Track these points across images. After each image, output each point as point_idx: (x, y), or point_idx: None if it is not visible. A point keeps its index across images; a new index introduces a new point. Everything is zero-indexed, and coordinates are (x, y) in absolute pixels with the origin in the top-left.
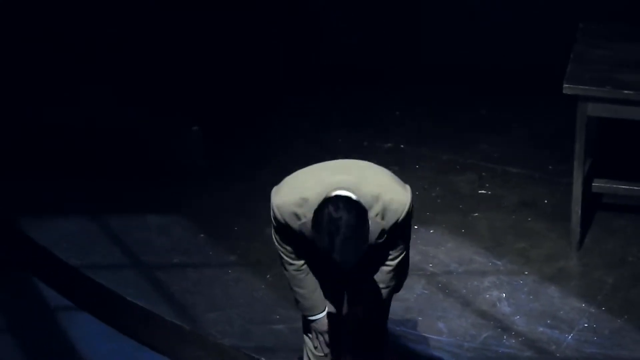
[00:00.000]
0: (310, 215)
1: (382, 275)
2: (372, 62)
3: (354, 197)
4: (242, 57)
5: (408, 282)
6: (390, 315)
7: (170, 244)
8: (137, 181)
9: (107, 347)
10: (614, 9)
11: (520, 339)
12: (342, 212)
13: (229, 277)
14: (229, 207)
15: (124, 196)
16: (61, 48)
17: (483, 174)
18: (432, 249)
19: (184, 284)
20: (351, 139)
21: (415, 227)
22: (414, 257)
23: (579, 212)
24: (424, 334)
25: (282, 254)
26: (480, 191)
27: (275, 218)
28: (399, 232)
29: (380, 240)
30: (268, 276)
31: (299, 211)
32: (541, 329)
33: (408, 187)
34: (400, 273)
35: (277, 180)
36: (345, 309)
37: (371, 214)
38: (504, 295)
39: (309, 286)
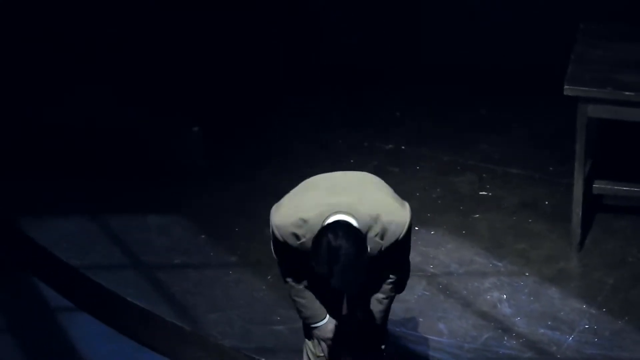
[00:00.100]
0: (309, 235)
1: (383, 288)
2: (372, 62)
3: (353, 222)
4: (242, 57)
5: (408, 283)
6: (390, 316)
7: (170, 244)
8: (137, 181)
9: (107, 347)
10: (614, 9)
11: (520, 340)
12: (341, 241)
13: (229, 278)
14: (229, 207)
15: (124, 196)
16: (61, 48)
17: (483, 175)
18: (432, 250)
19: (184, 284)
20: (351, 139)
21: (416, 228)
22: (415, 258)
23: (580, 213)
24: (424, 335)
25: (281, 267)
26: (480, 192)
27: (274, 236)
28: (399, 249)
29: (380, 257)
30: (268, 277)
31: (299, 232)
32: (542, 330)
33: (407, 205)
34: (401, 281)
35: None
36: (345, 312)
37: (370, 234)
38: (505, 296)
39: (309, 295)
